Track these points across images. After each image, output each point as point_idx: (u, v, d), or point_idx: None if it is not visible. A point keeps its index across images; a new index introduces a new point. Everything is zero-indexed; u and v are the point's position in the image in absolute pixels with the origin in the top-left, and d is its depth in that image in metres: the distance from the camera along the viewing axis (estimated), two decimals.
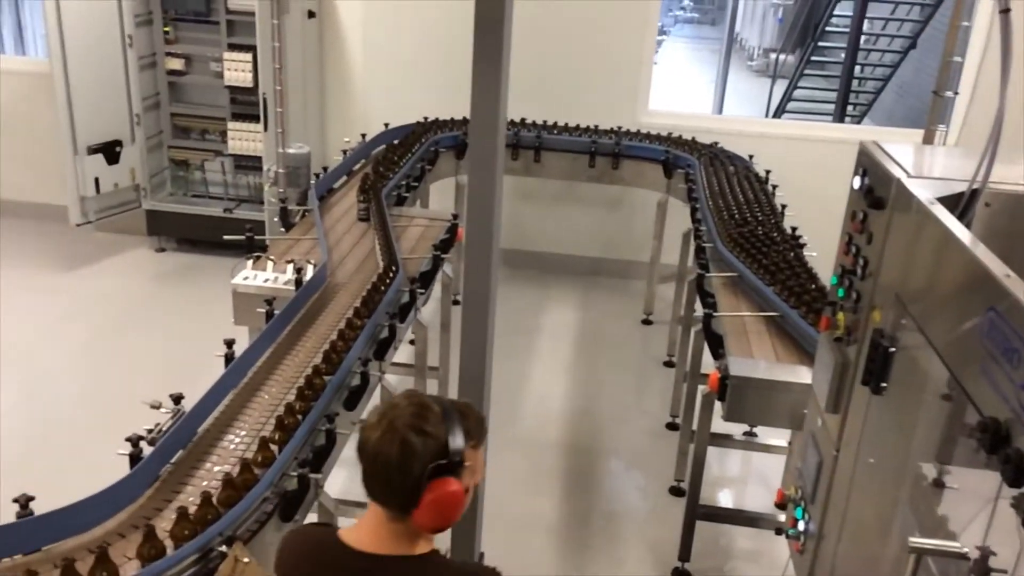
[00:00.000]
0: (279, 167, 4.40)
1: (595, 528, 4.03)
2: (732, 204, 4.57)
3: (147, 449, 2.32)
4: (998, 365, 1.33)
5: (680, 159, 5.44)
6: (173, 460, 2.38)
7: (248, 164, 6.34)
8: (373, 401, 3.20)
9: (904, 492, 1.78)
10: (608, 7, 5.97)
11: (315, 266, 3.61)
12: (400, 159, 4.97)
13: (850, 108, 10.96)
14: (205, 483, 2.31)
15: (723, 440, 3.96)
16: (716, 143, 5.67)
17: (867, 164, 2.09)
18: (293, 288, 3.44)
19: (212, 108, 6.40)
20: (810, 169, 5.71)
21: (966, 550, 1.42)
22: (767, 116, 11.42)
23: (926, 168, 2.04)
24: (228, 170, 6.46)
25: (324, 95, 6.40)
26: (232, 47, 6.04)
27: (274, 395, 2.78)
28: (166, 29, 6.25)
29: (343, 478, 3.96)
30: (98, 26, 5.83)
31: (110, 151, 6.04)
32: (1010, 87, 1.81)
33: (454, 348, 3.89)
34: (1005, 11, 1.89)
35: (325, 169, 4.84)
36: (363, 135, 5.38)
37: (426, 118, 5.69)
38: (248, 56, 5.94)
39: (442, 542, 1.92)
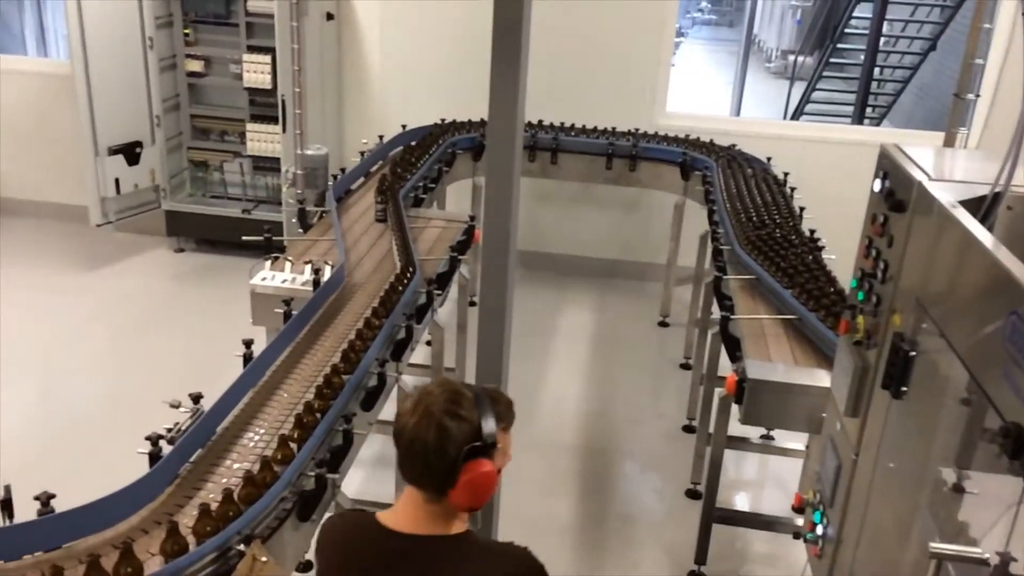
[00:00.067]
0: (297, 168, 4.42)
1: (611, 530, 4.02)
2: (750, 206, 4.55)
3: (166, 448, 2.33)
4: (1020, 369, 1.32)
5: (697, 161, 5.42)
6: (192, 459, 2.40)
7: (266, 165, 6.39)
8: (390, 402, 3.22)
9: (924, 497, 1.76)
10: (626, 9, 5.96)
11: (333, 267, 3.63)
12: (417, 161, 4.98)
13: (869, 110, 10.90)
14: (224, 480, 2.33)
15: (740, 443, 3.96)
16: (734, 145, 5.65)
17: (888, 167, 2.07)
18: (311, 289, 3.45)
19: (231, 110, 6.44)
20: (829, 171, 5.68)
21: (987, 556, 1.40)
22: (785, 118, 11.37)
23: (947, 171, 2.02)
24: (247, 171, 6.50)
25: (342, 97, 6.43)
26: (251, 49, 6.08)
27: (293, 393, 2.80)
28: (186, 31, 6.30)
29: (360, 479, 3.99)
30: (119, 28, 5.89)
31: (130, 152, 6.09)
32: None
33: (470, 349, 3.90)
34: None
35: (343, 170, 4.86)
36: (380, 137, 5.40)
37: (443, 120, 5.71)
38: (267, 58, 5.98)
39: None
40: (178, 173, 6.56)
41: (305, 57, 4.41)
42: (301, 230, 4.21)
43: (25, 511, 2.06)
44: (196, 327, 5.38)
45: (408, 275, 3.53)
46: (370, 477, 4.07)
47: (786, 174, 5.13)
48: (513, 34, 2.32)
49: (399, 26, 6.23)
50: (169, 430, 2.40)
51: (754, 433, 4.02)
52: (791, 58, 14.40)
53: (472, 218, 4.49)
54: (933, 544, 1.46)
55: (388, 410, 3.27)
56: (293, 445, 2.44)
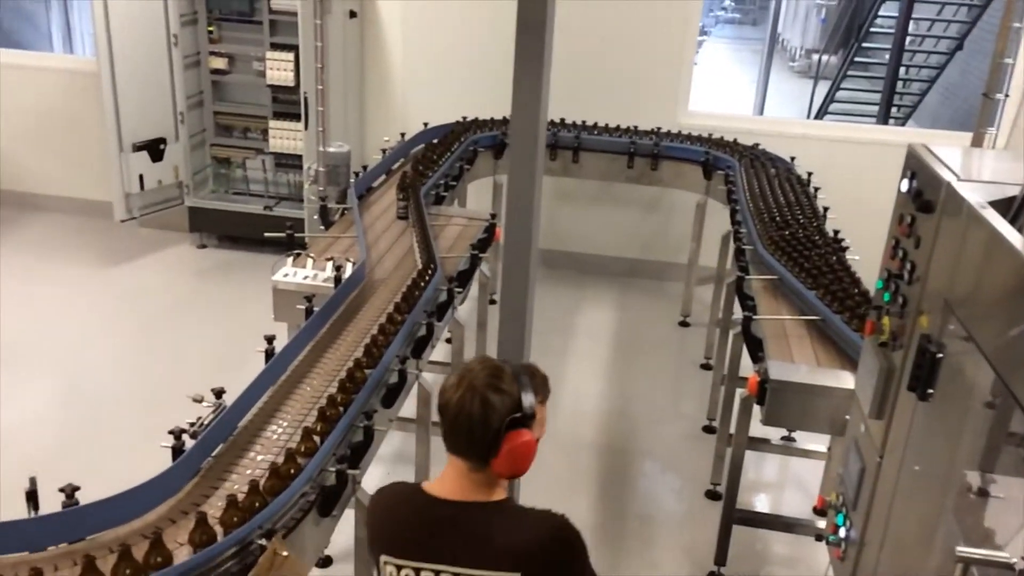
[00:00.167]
0: (319, 165, 4.44)
1: (630, 530, 4.01)
2: (773, 206, 4.52)
3: (189, 442, 2.35)
4: None
5: (720, 160, 5.39)
6: (215, 453, 2.42)
7: (289, 162, 6.42)
8: (410, 399, 3.23)
9: (949, 500, 1.75)
10: (649, 7, 5.94)
11: (354, 264, 3.64)
12: (439, 158, 4.99)
13: (894, 110, 10.80)
14: (249, 472, 2.35)
15: (761, 444, 3.93)
16: (757, 144, 5.61)
17: (915, 167, 2.05)
18: (332, 285, 3.47)
19: (254, 107, 6.47)
20: (853, 171, 5.63)
21: (1014, 560, 1.39)
22: (809, 118, 11.28)
23: (976, 171, 2.00)
24: (269, 168, 6.53)
25: (364, 94, 6.45)
26: (274, 47, 6.11)
27: (316, 387, 2.81)
28: (210, 29, 6.34)
29: (379, 475, 4.00)
30: (144, 26, 5.94)
31: (155, 148, 6.14)
32: None
33: (490, 347, 3.89)
34: None
35: (365, 168, 4.88)
36: (402, 134, 5.41)
37: (465, 117, 5.71)
38: (290, 56, 6.00)
39: None
40: (201, 170, 6.61)
41: (328, 55, 4.43)
42: (323, 227, 4.23)
43: (49, 503, 2.08)
44: (218, 323, 5.42)
45: (429, 272, 3.54)
46: (390, 473, 4.08)
47: (810, 174, 5.08)
48: (537, 33, 2.31)
49: (422, 24, 6.24)
50: (192, 424, 2.42)
51: (775, 434, 3.99)
52: (815, 57, 14.30)
53: (493, 216, 4.50)
54: (960, 548, 1.45)
55: (408, 407, 3.29)
56: (316, 438, 2.45)
